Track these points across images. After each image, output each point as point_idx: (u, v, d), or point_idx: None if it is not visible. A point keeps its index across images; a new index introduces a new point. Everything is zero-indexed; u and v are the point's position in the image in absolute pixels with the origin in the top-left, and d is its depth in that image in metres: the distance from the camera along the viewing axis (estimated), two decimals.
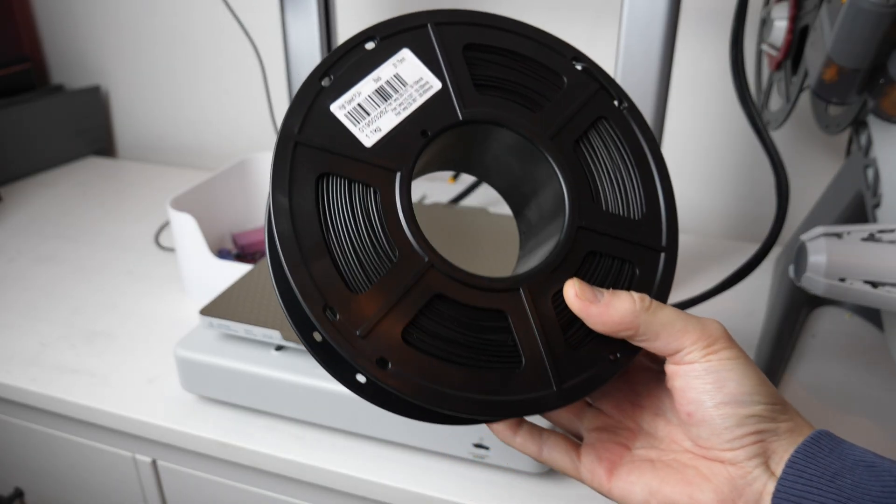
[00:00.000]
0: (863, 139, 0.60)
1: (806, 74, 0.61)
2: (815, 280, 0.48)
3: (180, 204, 0.77)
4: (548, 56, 0.37)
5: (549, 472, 0.54)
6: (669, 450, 0.34)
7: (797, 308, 0.71)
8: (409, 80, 0.34)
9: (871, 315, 0.74)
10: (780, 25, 0.66)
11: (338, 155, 0.32)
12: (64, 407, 0.65)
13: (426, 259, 0.32)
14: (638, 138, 0.36)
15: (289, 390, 0.56)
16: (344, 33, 0.90)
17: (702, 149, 0.95)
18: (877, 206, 0.57)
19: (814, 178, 0.87)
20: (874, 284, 0.48)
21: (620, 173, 0.36)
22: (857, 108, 0.59)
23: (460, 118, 0.34)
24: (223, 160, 1.18)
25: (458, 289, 0.32)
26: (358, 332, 0.30)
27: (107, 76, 1.26)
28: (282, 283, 0.32)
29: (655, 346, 0.32)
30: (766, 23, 0.70)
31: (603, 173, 0.36)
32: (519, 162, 0.37)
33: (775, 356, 0.67)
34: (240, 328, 0.57)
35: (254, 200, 0.93)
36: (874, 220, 0.58)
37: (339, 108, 0.33)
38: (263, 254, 0.86)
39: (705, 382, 0.31)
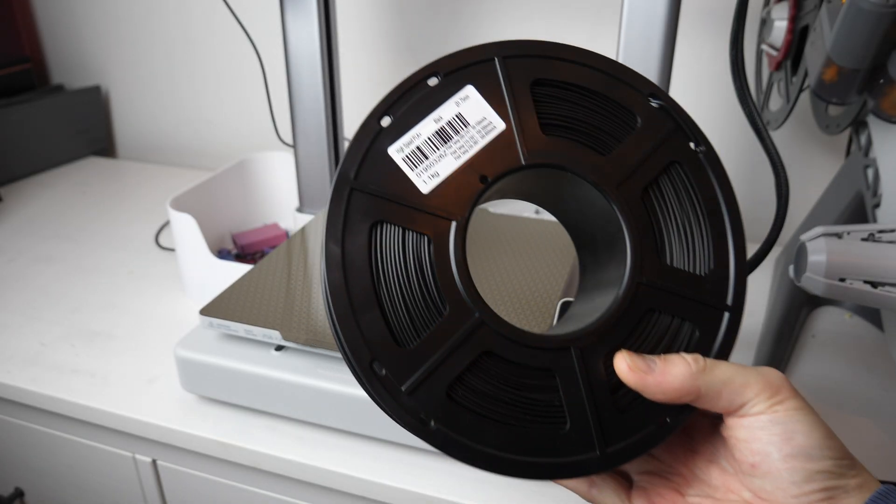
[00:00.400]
0: (863, 139, 0.60)
1: (806, 74, 0.61)
2: (815, 280, 0.48)
3: (180, 204, 0.77)
4: (622, 92, 0.34)
5: None
6: (726, 499, 0.32)
7: (797, 308, 0.71)
8: (472, 119, 0.32)
9: (871, 315, 0.74)
10: (780, 25, 0.66)
11: (393, 202, 0.31)
12: (64, 407, 0.65)
13: (477, 315, 0.30)
14: (713, 186, 0.34)
15: (289, 390, 0.56)
16: (344, 33, 0.90)
17: None
18: (877, 206, 0.57)
19: (814, 178, 0.87)
20: (874, 284, 0.48)
21: (690, 224, 0.33)
22: (857, 108, 0.59)
23: (522, 163, 0.32)
24: (223, 160, 1.18)
25: (507, 346, 0.31)
26: (403, 388, 0.29)
27: (107, 76, 1.26)
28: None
29: (719, 405, 0.30)
30: (766, 23, 0.70)
31: (671, 224, 0.33)
32: (583, 205, 0.35)
33: (775, 356, 0.67)
34: (240, 328, 0.57)
35: (254, 200, 0.93)
36: (874, 220, 0.58)
37: (397, 152, 0.31)
38: (263, 254, 0.86)
39: (771, 434, 0.29)
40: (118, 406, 0.62)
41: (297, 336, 0.56)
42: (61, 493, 0.75)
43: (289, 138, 0.83)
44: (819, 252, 0.49)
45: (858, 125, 0.61)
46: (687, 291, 0.33)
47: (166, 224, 0.96)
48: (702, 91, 0.91)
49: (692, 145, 0.34)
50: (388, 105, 0.32)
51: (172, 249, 0.90)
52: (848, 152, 0.75)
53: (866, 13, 0.49)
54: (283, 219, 0.93)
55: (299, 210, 0.83)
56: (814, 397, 0.63)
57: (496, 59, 0.33)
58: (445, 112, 0.32)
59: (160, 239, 0.93)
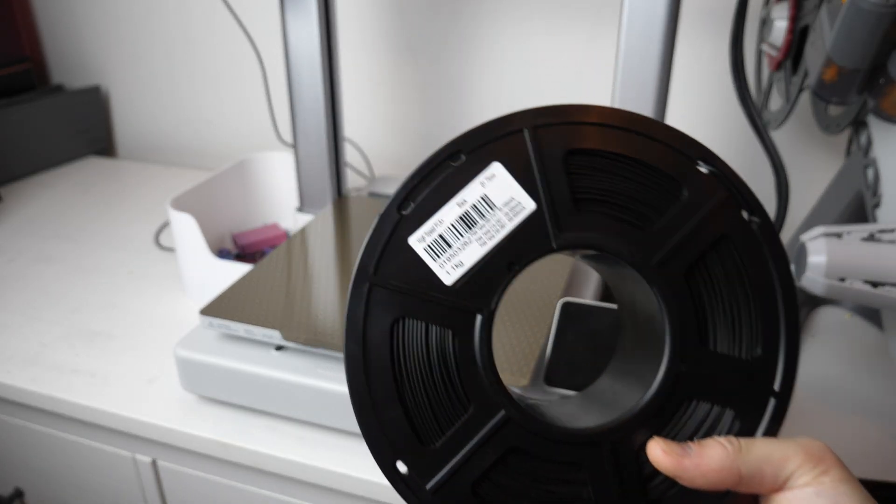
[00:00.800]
0: (863, 139, 0.60)
1: (806, 74, 0.61)
2: (815, 280, 0.48)
3: (180, 204, 0.77)
4: (667, 158, 0.30)
5: None
6: None
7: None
8: (499, 201, 0.29)
9: (871, 315, 0.74)
10: (780, 25, 0.66)
11: (415, 297, 0.29)
12: (64, 407, 0.65)
13: (503, 412, 0.29)
14: (767, 263, 0.30)
15: (289, 390, 0.56)
16: (344, 33, 0.90)
17: None
18: (877, 206, 0.57)
19: (814, 178, 0.87)
20: (874, 284, 0.48)
21: (738, 305, 0.30)
22: (857, 108, 0.59)
23: (553, 246, 0.29)
24: (223, 160, 1.18)
25: (534, 441, 0.29)
26: (428, 487, 0.29)
27: (107, 76, 1.26)
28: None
29: (764, 486, 0.29)
30: (766, 23, 0.70)
31: (717, 306, 0.30)
32: (621, 281, 0.33)
33: None
34: (240, 328, 0.57)
35: (254, 200, 0.93)
36: (874, 220, 0.58)
37: (418, 242, 0.29)
38: (263, 254, 0.86)
39: None
40: (118, 406, 0.62)
41: (297, 336, 0.56)
42: (61, 493, 0.75)
43: (289, 138, 0.83)
44: (819, 252, 0.49)
45: (858, 125, 0.61)
46: (730, 378, 0.30)
47: (166, 224, 0.96)
48: (702, 91, 0.92)
49: (745, 215, 0.30)
50: (408, 190, 0.29)
51: (172, 249, 0.90)
52: (848, 152, 0.75)
53: (866, 13, 0.49)
54: (283, 219, 0.93)
55: (299, 210, 0.83)
56: (814, 397, 0.63)
57: (525, 130, 0.30)
58: (470, 194, 0.29)
59: (160, 239, 0.93)
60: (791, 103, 0.65)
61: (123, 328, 0.74)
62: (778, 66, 0.68)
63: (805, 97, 0.69)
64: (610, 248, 0.30)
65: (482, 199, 0.29)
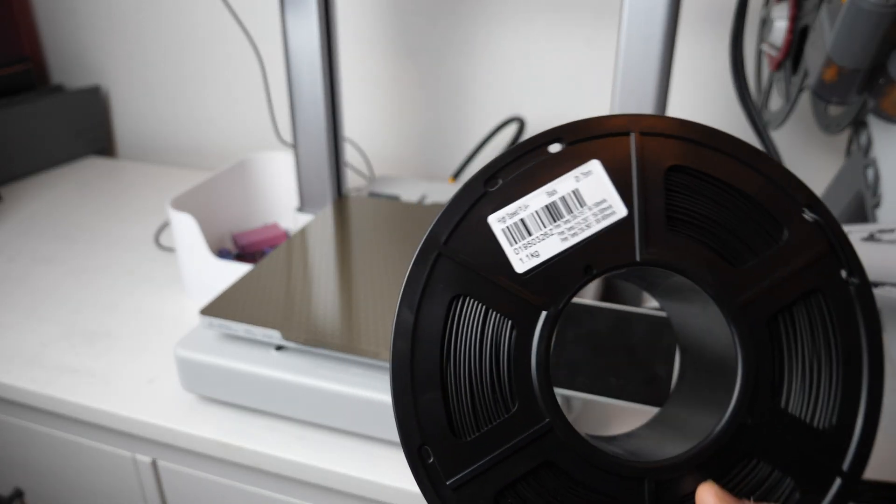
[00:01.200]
0: (863, 139, 0.60)
1: (806, 74, 0.61)
2: None
3: (180, 204, 0.77)
4: (773, 197, 0.28)
5: None
6: None
7: None
8: (590, 199, 0.28)
9: None
10: (780, 25, 0.66)
11: (482, 277, 0.27)
12: (64, 407, 0.65)
13: (547, 420, 0.27)
14: (858, 328, 0.28)
15: (289, 390, 0.56)
16: (344, 33, 0.90)
17: None
18: (877, 206, 0.57)
19: (814, 178, 0.86)
20: (874, 284, 0.48)
21: (819, 367, 0.28)
22: (857, 108, 0.59)
23: (637, 259, 0.28)
24: (223, 160, 1.18)
25: (574, 461, 0.27)
26: (449, 483, 0.27)
27: (107, 76, 1.26)
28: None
29: None
30: (766, 23, 0.70)
31: (797, 362, 0.28)
32: (698, 311, 0.31)
33: None
34: (240, 328, 0.57)
35: (254, 200, 0.93)
36: (874, 220, 0.58)
37: (498, 221, 0.28)
38: (263, 254, 0.86)
39: None
40: (118, 406, 0.62)
41: (297, 336, 0.56)
42: (61, 493, 0.75)
43: (289, 138, 0.83)
44: None
45: (858, 125, 0.61)
46: (798, 444, 0.28)
47: (166, 224, 0.96)
48: (702, 91, 0.92)
49: (844, 273, 0.28)
50: (499, 166, 0.28)
51: (172, 249, 0.90)
52: (848, 152, 0.75)
53: (866, 13, 0.49)
54: (283, 219, 0.93)
55: (299, 210, 0.83)
56: None
57: (632, 134, 0.28)
58: (562, 186, 0.28)
59: (160, 239, 0.93)
60: (791, 103, 0.65)
61: (123, 328, 0.74)
62: (778, 66, 0.68)
63: (805, 97, 0.69)
64: (697, 275, 0.28)
65: (573, 193, 0.28)
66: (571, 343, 0.54)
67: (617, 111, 0.61)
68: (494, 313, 0.28)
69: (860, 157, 0.61)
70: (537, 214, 0.28)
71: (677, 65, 0.64)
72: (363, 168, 1.02)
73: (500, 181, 0.28)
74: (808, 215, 0.28)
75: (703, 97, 0.92)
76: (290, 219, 0.88)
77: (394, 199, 0.86)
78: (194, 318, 0.74)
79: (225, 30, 1.09)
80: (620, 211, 0.28)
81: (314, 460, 0.56)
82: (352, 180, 0.94)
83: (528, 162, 0.28)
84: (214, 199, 0.85)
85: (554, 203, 0.28)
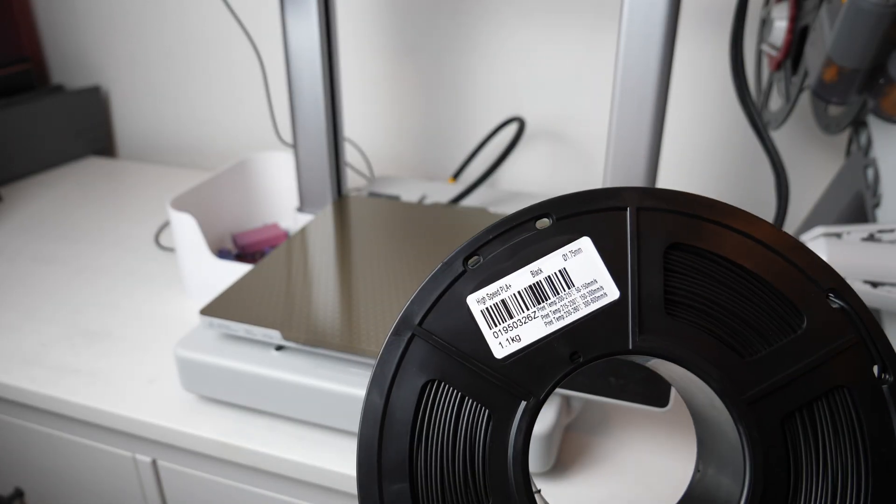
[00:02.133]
0: (863, 139, 0.60)
1: (806, 74, 0.61)
2: None
3: (180, 204, 0.77)
4: (792, 280, 0.25)
5: (551, 471, 0.54)
6: None
7: None
8: (579, 280, 0.26)
9: None
10: (780, 25, 0.66)
11: (458, 361, 0.25)
12: (64, 407, 0.65)
13: None
14: (893, 432, 0.24)
15: (289, 390, 0.56)
16: (344, 33, 0.90)
17: (701, 149, 0.95)
18: (877, 206, 0.57)
19: (814, 178, 0.87)
20: (874, 284, 0.48)
21: (843, 476, 0.24)
22: (857, 108, 0.59)
23: (629, 346, 0.25)
24: (223, 160, 1.18)
25: None
26: None
27: (107, 76, 1.26)
28: None
29: None
30: (766, 23, 0.70)
31: (815, 469, 0.25)
32: (705, 401, 0.28)
33: None
34: (240, 328, 0.57)
35: (254, 200, 0.93)
36: (874, 220, 0.58)
37: (477, 302, 0.26)
38: (263, 253, 0.86)
39: None
40: (118, 406, 0.63)
41: (297, 336, 0.56)
42: (61, 493, 0.75)
43: (289, 138, 0.83)
44: (819, 252, 0.49)
45: (858, 125, 0.61)
46: None
47: (166, 224, 0.96)
48: (702, 91, 0.92)
49: (876, 370, 0.25)
50: (481, 242, 0.26)
51: (172, 249, 0.90)
52: (848, 152, 0.75)
53: (866, 13, 0.49)
54: (283, 219, 0.93)
55: (299, 210, 0.83)
56: None
57: (629, 209, 0.26)
58: (548, 265, 0.26)
59: (160, 239, 0.93)
60: (791, 103, 0.65)
61: (123, 328, 0.74)
62: (778, 66, 0.68)
63: (805, 97, 0.69)
64: (697, 366, 0.25)
65: (560, 273, 0.26)
66: None
67: (616, 111, 0.61)
68: (470, 401, 0.25)
69: (860, 157, 0.61)
70: (520, 296, 0.26)
71: (677, 65, 0.64)
72: (363, 168, 1.02)
73: (481, 259, 0.26)
74: (833, 302, 0.25)
75: (703, 97, 0.92)
76: (290, 219, 0.88)
77: (394, 199, 0.86)
78: (194, 318, 0.74)
79: (225, 30, 1.09)
80: (612, 293, 0.26)
81: (314, 460, 0.56)
82: (352, 180, 0.94)
83: (512, 238, 0.26)
84: (214, 199, 0.85)
85: (539, 283, 0.26)
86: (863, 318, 0.25)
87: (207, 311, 0.58)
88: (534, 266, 0.26)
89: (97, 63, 1.25)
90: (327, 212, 0.79)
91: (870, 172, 0.59)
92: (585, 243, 0.26)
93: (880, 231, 0.50)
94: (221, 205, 0.87)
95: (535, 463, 0.52)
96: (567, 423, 0.57)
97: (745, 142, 0.92)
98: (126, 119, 1.28)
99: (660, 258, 0.26)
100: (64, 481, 0.74)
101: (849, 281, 0.49)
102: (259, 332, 0.57)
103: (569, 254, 0.26)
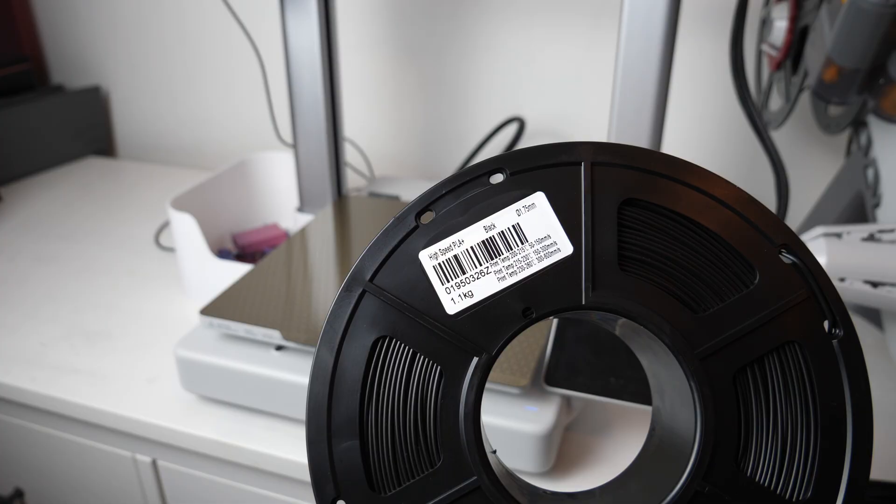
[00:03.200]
0: (863, 139, 0.60)
1: (806, 74, 0.61)
2: None
3: (180, 204, 0.77)
4: (745, 236, 0.25)
5: (550, 471, 0.54)
6: None
7: None
8: (532, 235, 0.25)
9: (871, 315, 0.74)
10: (780, 25, 0.66)
11: (410, 317, 0.25)
12: (64, 407, 0.65)
13: (474, 477, 0.25)
14: (842, 386, 0.25)
15: (289, 390, 0.56)
16: (344, 33, 0.90)
17: (701, 149, 0.95)
18: (877, 206, 0.57)
19: (814, 178, 0.87)
20: (874, 284, 0.48)
21: (793, 430, 0.25)
22: (857, 108, 0.59)
23: (583, 302, 0.25)
24: (223, 160, 1.18)
25: None
26: None
27: (107, 76, 1.26)
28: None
29: None
30: (766, 23, 0.70)
31: (765, 424, 0.25)
32: (657, 364, 0.28)
33: None
34: (240, 328, 0.57)
35: (254, 200, 0.93)
36: (874, 220, 0.58)
37: (430, 258, 0.25)
38: (263, 253, 0.86)
39: None
40: (118, 406, 0.63)
41: (297, 336, 0.56)
42: (61, 493, 0.75)
43: (289, 138, 0.83)
44: (819, 252, 0.49)
45: (858, 125, 0.61)
46: None
47: (166, 224, 0.96)
48: (702, 91, 0.92)
49: (826, 324, 0.25)
50: (433, 198, 0.26)
51: (172, 249, 0.90)
52: (848, 152, 0.75)
53: (866, 13, 0.49)
54: (283, 219, 0.93)
55: (299, 210, 0.83)
56: None
57: (583, 164, 0.25)
58: (501, 220, 0.25)
59: (160, 239, 0.93)
60: (791, 103, 0.65)
61: (123, 328, 0.74)
62: (778, 66, 0.68)
63: (805, 97, 0.69)
64: (650, 322, 0.25)
65: (514, 228, 0.25)
66: (571, 343, 0.54)
67: (616, 111, 0.61)
68: (422, 358, 0.25)
69: (860, 157, 0.61)
70: (472, 251, 0.25)
71: (677, 65, 0.64)
72: (363, 168, 1.02)
73: (434, 214, 0.25)
74: (785, 257, 0.25)
75: (703, 97, 0.92)
76: (290, 219, 0.88)
77: (394, 199, 0.86)
78: (194, 318, 0.74)
79: (225, 30, 1.09)
80: (566, 248, 0.25)
81: None
82: (352, 180, 0.94)
83: (465, 193, 0.26)
84: (214, 199, 0.85)
85: (491, 238, 0.25)
86: (814, 274, 0.25)
87: (207, 311, 0.58)
88: (487, 221, 0.25)
89: (97, 63, 1.25)
90: (327, 212, 0.79)
91: (870, 172, 0.59)
92: (539, 198, 0.25)
93: (880, 231, 0.50)
94: (221, 205, 0.87)
95: (535, 463, 0.52)
96: (567, 423, 0.57)
97: (745, 142, 0.92)
98: (126, 119, 1.28)
99: (614, 214, 0.25)
100: (64, 481, 0.74)
101: (849, 281, 0.49)
102: (259, 332, 0.57)
103: (522, 209, 0.25)
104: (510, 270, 0.25)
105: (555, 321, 0.55)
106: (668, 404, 0.28)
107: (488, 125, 1.00)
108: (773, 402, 0.25)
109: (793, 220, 0.81)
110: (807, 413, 0.25)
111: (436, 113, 1.05)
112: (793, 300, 0.25)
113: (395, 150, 1.10)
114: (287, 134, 0.85)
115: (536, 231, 0.25)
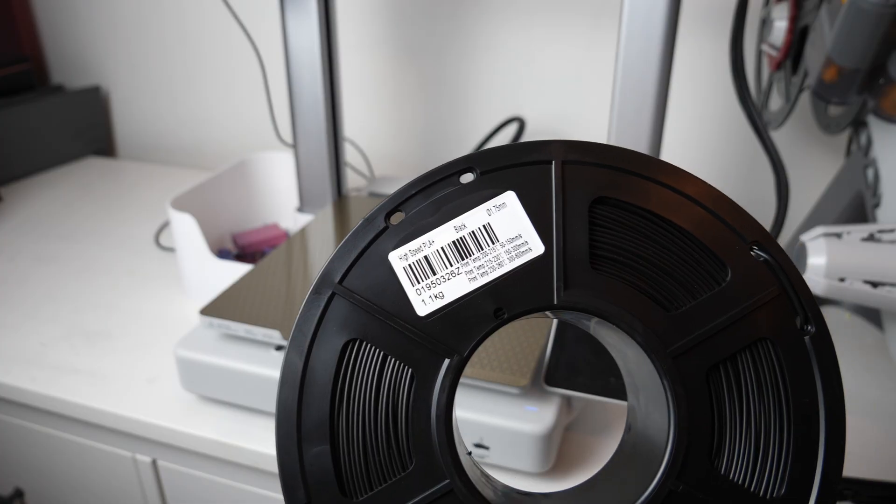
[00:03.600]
0: (863, 139, 0.60)
1: (806, 74, 0.61)
2: (815, 280, 0.48)
3: (180, 204, 0.77)
4: (716, 234, 0.25)
5: (550, 471, 0.54)
6: None
7: None
8: (503, 235, 0.25)
9: (871, 315, 0.74)
10: (780, 25, 0.66)
11: (380, 319, 0.25)
12: (64, 407, 0.65)
13: (447, 481, 0.24)
14: (814, 383, 0.25)
15: None
16: (344, 33, 0.90)
17: (702, 149, 0.95)
18: (877, 206, 0.57)
19: (814, 178, 0.87)
20: (874, 284, 0.48)
21: (767, 428, 0.25)
22: (857, 108, 0.59)
23: (554, 302, 0.25)
24: (223, 160, 1.18)
25: None
26: None
27: (107, 76, 1.26)
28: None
29: None
30: (766, 23, 0.70)
31: (739, 421, 0.25)
32: (626, 360, 0.28)
33: None
34: (240, 328, 0.57)
35: (254, 200, 0.93)
36: (874, 220, 0.58)
37: (399, 259, 0.25)
38: (263, 253, 0.86)
39: None
40: (118, 406, 0.63)
41: None
42: (61, 493, 0.75)
43: (289, 138, 0.83)
44: (819, 252, 0.49)
45: (858, 125, 0.61)
46: None
47: (166, 224, 0.96)
48: (702, 91, 0.92)
49: (798, 322, 0.25)
50: (403, 198, 0.25)
51: (172, 249, 0.90)
52: (848, 152, 0.75)
53: (866, 13, 0.49)
54: (283, 219, 0.93)
55: (299, 210, 0.83)
56: None
57: (553, 162, 0.25)
58: (471, 220, 0.25)
59: (160, 239, 0.93)
60: (791, 103, 0.65)
61: (123, 328, 0.74)
62: (778, 66, 0.68)
63: (805, 97, 0.69)
64: (622, 320, 0.25)
65: (484, 228, 0.25)
66: (571, 343, 0.54)
67: (616, 111, 0.61)
68: (392, 360, 0.25)
69: (860, 157, 0.61)
70: (443, 252, 0.25)
71: (677, 65, 0.64)
72: (363, 168, 1.02)
73: (404, 214, 0.25)
74: (757, 254, 0.25)
75: (703, 97, 0.92)
76: (290, 219, 0.88)
77: None
78: (194, 318, 0.74)
79: (225, 30, 1.09)
80: (537, 248, 0.25)
81: None
82: (352, 180, 0.94)
83: (435, 193, 0.25)
84: (214, 199, 0.85)
85: (462, 239, 0.25)
86: (786, 271, 0.25)
87: (207, 311, 0.58)
88: (457, 221, 0.25)
89: (97, 63, 1.25)
90: (327, 212, 0.79)
91: (870, 172, 0.59)
92: (510, 198, 0.25)
93: (880, 231, 0.50)
94: (221, 205, 0.87)
95: (535, 463, 0.52)
96: (567, 423, 0.57)
97: (745, 142, 0.92)
98: (126, 119, 1.28)
99: (585, 212, 0.25)
100: (64, 481, 0.74)
101: (849, 281, 0.49)
102: (259, 332, 0.57)
103: (493, 208, 0.25)
104: (481, 271, 0.25)
105: (555, 322, 0.55)
106: (642, 403, 0.28)
107: (488, 125, 1.00)
108: (746, 399, 0.25)
109: (793, 220, 0.82)
110: (780, 410, 0.25)
111: (436, 113, 1.05)
112: (764, 297, 0.25)
113: (395, 150, 1.10)
114: (287, 134, 0.85)
115: (507, 231, 0.25)
